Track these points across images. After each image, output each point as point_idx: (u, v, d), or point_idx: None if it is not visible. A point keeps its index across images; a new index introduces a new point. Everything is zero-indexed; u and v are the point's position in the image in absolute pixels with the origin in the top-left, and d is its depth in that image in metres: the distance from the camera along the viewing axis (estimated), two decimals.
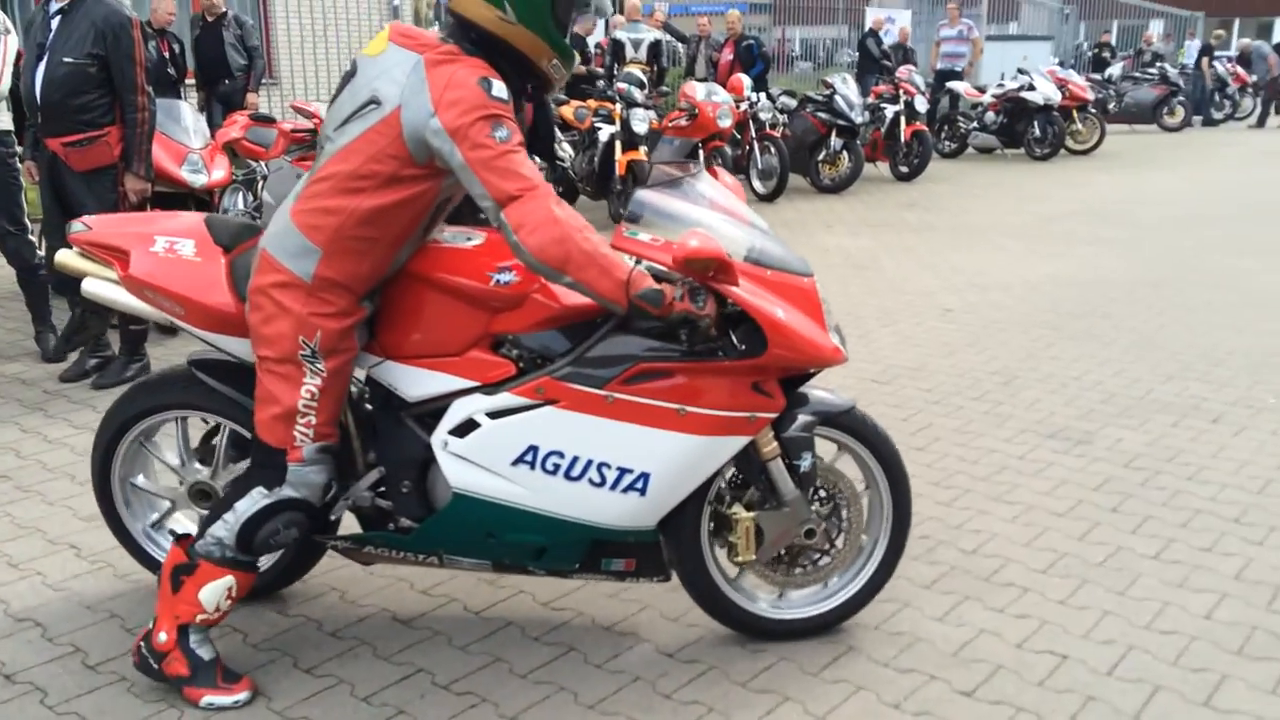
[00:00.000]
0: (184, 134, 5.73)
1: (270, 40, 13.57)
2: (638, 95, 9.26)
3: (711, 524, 2.71)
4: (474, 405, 2.49)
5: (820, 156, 11.52)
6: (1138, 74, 19.31)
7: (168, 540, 2.94)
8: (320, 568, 3.04)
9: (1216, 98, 20.04)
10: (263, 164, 7.00)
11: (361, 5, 12.48)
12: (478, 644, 2.81)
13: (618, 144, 9.15)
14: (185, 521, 3.05)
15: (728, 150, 10.30)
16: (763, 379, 2.53)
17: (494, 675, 2.67)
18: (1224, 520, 3.51)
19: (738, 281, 2.42)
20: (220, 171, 5.81)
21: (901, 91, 12.40)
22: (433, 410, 2.56)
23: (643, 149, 9.28)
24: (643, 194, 2.58)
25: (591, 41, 11.89)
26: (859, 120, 11.41)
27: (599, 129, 9.33)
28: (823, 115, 11.43)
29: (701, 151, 9.80)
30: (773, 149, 10.74)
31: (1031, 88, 14.13)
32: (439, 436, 2.51)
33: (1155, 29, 27.06)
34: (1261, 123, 19.34)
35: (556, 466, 2.49)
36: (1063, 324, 5.98)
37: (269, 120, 7.17)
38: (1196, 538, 3.40)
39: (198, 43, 9.36)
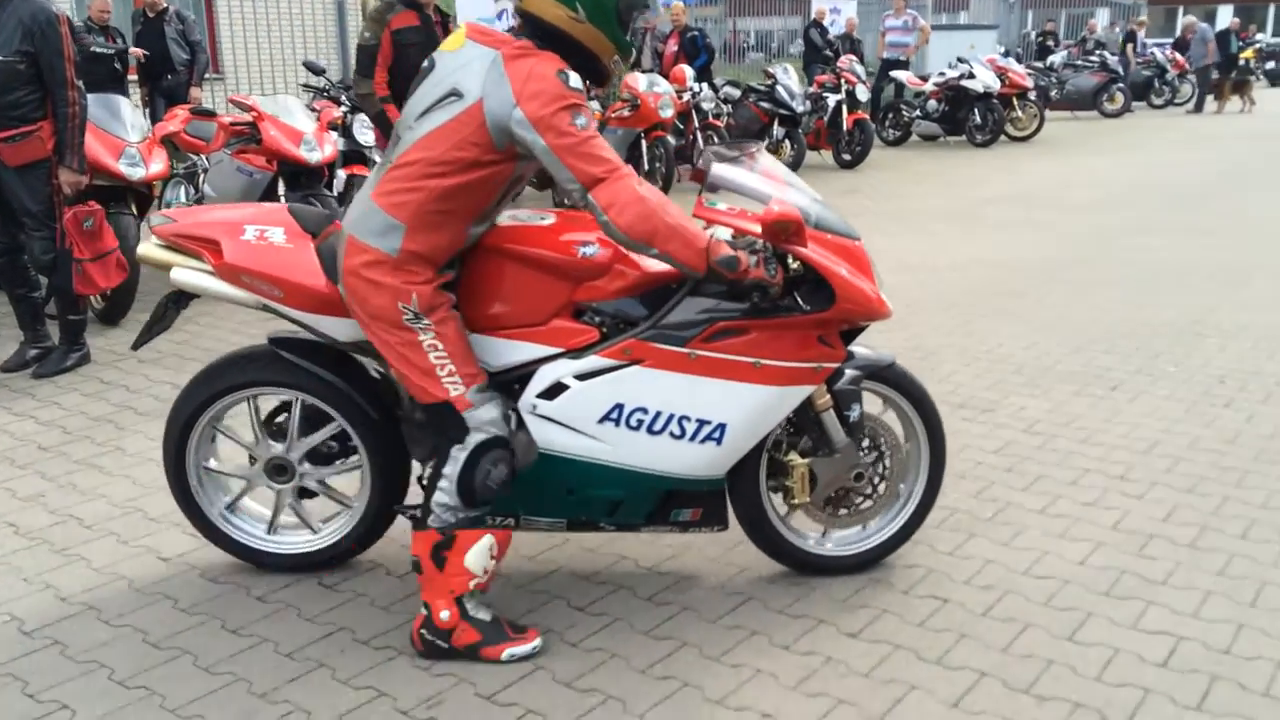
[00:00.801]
0: (121, 128, 5.81)
1: (215, 35, 13.59)
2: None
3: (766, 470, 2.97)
4: (562, 369, 2.70)
5: (763, 145, 11.70)
6: (1078, 62, 19.70)
7: (245, 520, 3.12)
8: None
9: (1156, 84, 20.50)
10: (203, 157, 7.09)
11: (306, 1, 12.52)
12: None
13: None
14: (254, 505, 3.18)
15: (670, 140, 10.48)
16: (826, 332, 2.79)
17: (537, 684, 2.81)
18: (1109, 478, 3.73)
19: (807, 243, 2.68)
20: (158, 165, 5.89)
21: (843, 81, 12.64)
22: (514, 378, 2.74)
23: None
24: (719, 168, 2.81)
25: None
26: (800, 109, 11.64)
27: None
28: (765, 105, 11.65)
29: (644, 141, 9.99)
30: (716, 139, 10.93)
31: (971, 76, 14.43)
32: (527, 400, 2.71)
33: (1101, 17, 27.57)
34: (1199, 107, 19.79)
35: (640, 422, 2.72)
36: (982, 302, 6.21)
37: (209, 114, 7.25)
38: (1082, 494, 3.62)
39: (139, 38, 9.40)
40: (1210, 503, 3.55)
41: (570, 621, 2.89)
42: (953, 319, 5.88)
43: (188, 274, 2.83)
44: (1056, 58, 20.32)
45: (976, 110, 14.43)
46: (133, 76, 9.63)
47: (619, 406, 2.70)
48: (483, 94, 2.45)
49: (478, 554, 2.64)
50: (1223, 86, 19.83)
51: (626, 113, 9.99)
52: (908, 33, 16.30)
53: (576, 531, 3.03)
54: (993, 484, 3.72)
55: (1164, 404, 4.48)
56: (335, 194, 7.35)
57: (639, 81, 10.08)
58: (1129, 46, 20.61)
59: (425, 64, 2.66)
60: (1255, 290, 6.40)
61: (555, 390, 2.70)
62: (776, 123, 11.63)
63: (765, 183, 2.80)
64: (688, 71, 11.14)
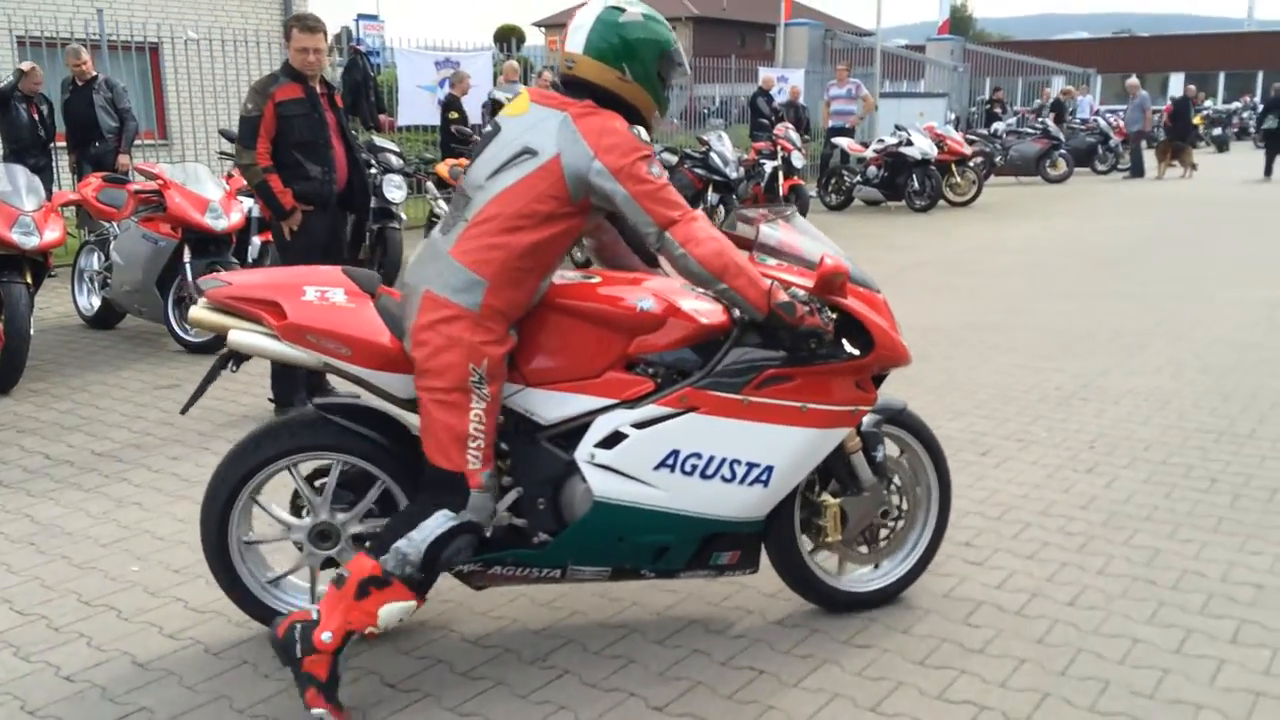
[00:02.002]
0: (16, 196, 5.83)
1: (162, 101, 13.71)
2: None
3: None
4: (620, 419, 2.82)
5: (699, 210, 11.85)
6: (1021, 129, 20.11)
7: (289, 593, 3.08)
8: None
9: (1099, 150, 20.92)
10: (114, 225, 7.11)
11: (255, 67, 12.64)
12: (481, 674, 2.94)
13: None
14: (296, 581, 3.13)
15: None
16: (861, 377, 3.01)
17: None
18: (955, 545, 3.74)
19: (848, 295, 2.93)
20: (53, 233, 5.91)
21: (779, 147, 12.85)
22: (567, 430, 2.85)
23: None
24: (768, 229, 3.07)
25: (475, 102, 12.15)
26: (734, 175, 11.80)
27: None
28: (700, 171, 11.81)
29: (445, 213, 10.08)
30: None
31: (909, 143, 14.71)
32: (584, 450, 2.82)
33: (1057, 85, 28.23)
34: (1136, 173, 20.14)
35: (694, 467, 2.86)
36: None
37: (122, 181, 7.28)
38: None
39: (68, 105, 9.46)
40: (1047, 569, 3.57)
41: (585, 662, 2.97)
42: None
43: (246, 335, 2.81)
44: (1001, 125, 20.75)
45: (915, 176, 14.68)
46: (61, 143, 9.69)
47: (675, 453, 2.84)
48: (558, 150, 2.64)
49: (394, 610, 2.67)
50: (1165, 152, 20.25)
51: None
52: (851, 101, 16.64)
53: (618, 580, 3.08)
54: None
55: (1027, 469, 4.52)
56: (250, 261, 7.40)
57: None
58: (1052, 115, 21.06)
59: (489, 128, 2.85)
60: (1149, 354, 6.49)
61: (614, 439, 2.82)
62: (711, 189, 11.78)
63: (808, 240, 3.07)
64: None
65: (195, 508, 4.08)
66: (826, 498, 3.15)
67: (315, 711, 2.65)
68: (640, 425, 2.82)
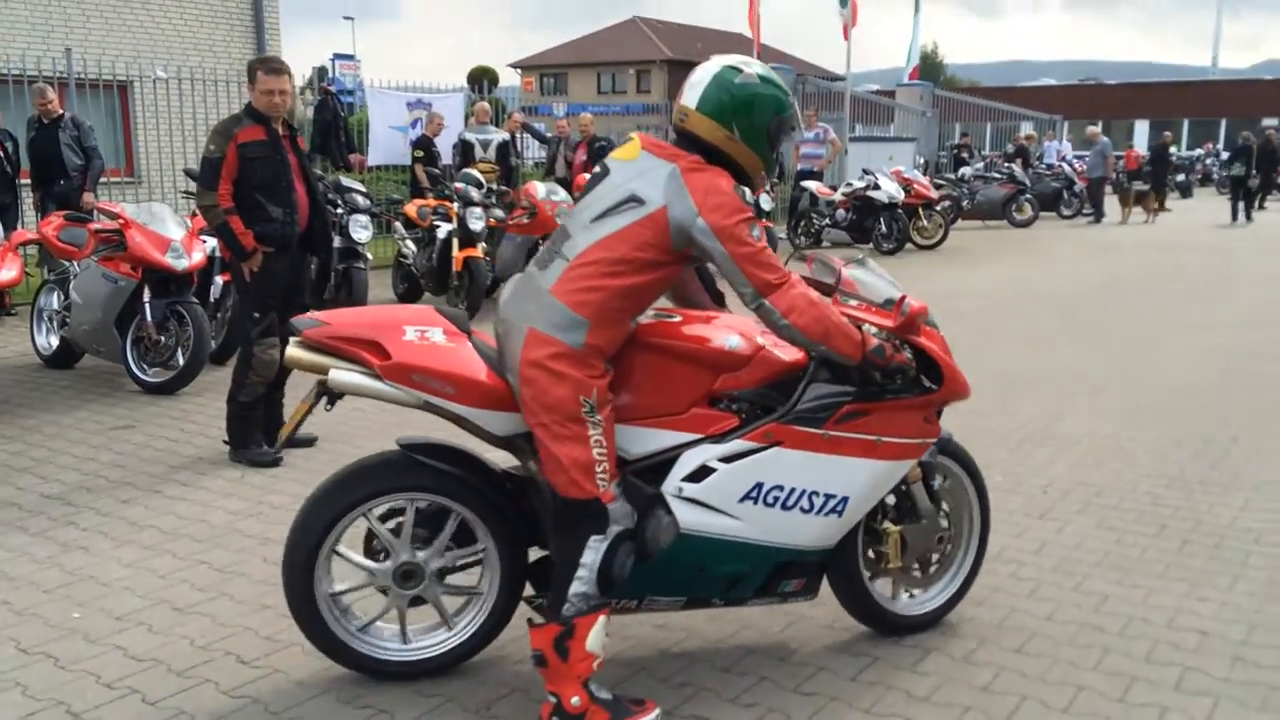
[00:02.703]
0: None
1: (131, 140, 13.68)
2: (474, 195, 9.55)
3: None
4: (707, 453, 2.90)
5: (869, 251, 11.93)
6: (988, 174, 20.40)
7: (377, 636, 3.10)
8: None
9: (1065, 195, 21.23)
10: (74, 264, 7.07)
11: (225, 106, 12.65)
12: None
13: (455, 241, 9.40)
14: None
15: None
16: (928, 412, 3.17)
17: None
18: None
19: (921, 333, 3.10)
20: (10, 272, 5.89)
21: None
22: (651, 465, 2.91)
23: (481, 246, 9.55)
24: (851, 271, 3.24)
25: (447, 143, 12.20)
26: None
27: (438, 227, 9.58)
28: None
29: (541, 248, 10.11)
30: None
31: (877, 187, 14.89)
32: (672, 484, 2.89)
33: (1025, 129, 28.69)
34: (1098, 218, 20.47)
35: (776, 499, 2.96)
36: None
37: (83, 220, 7.25)
38: None
39: (33, 143, 9.43)
40: (996, 615, 3.58)
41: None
42: None
43: (346, 375, 2.84)
44: (967, 170, 21.03)
45: (882, 220, 14.84)
46: (25, 180, 9.64)
47: (759, 485, 2.94)
48: (665, 202, 2.72)
49: (596, 635, 2.74)
50: (1128, 198, 20.61)
51: (525, 220, 10.12)
52: (819, 145, 16.82)
53: (689, 609, 3.17)
54: None
55: None
56: (212, 301, 7.37)
57: (537, 190, 10.24)
58: (1018, 160, 21.45)
59: (597, 169, 2.92)
60: (1105, 399, 6.56)
61: (701, 473, 2.90)
62: None
63: (883, 283, 3.23)
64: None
65: (142, 552, 4.09)
66: (888, 525, 3.29)
67: None
68: (727, 459, 2.91)
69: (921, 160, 24.95)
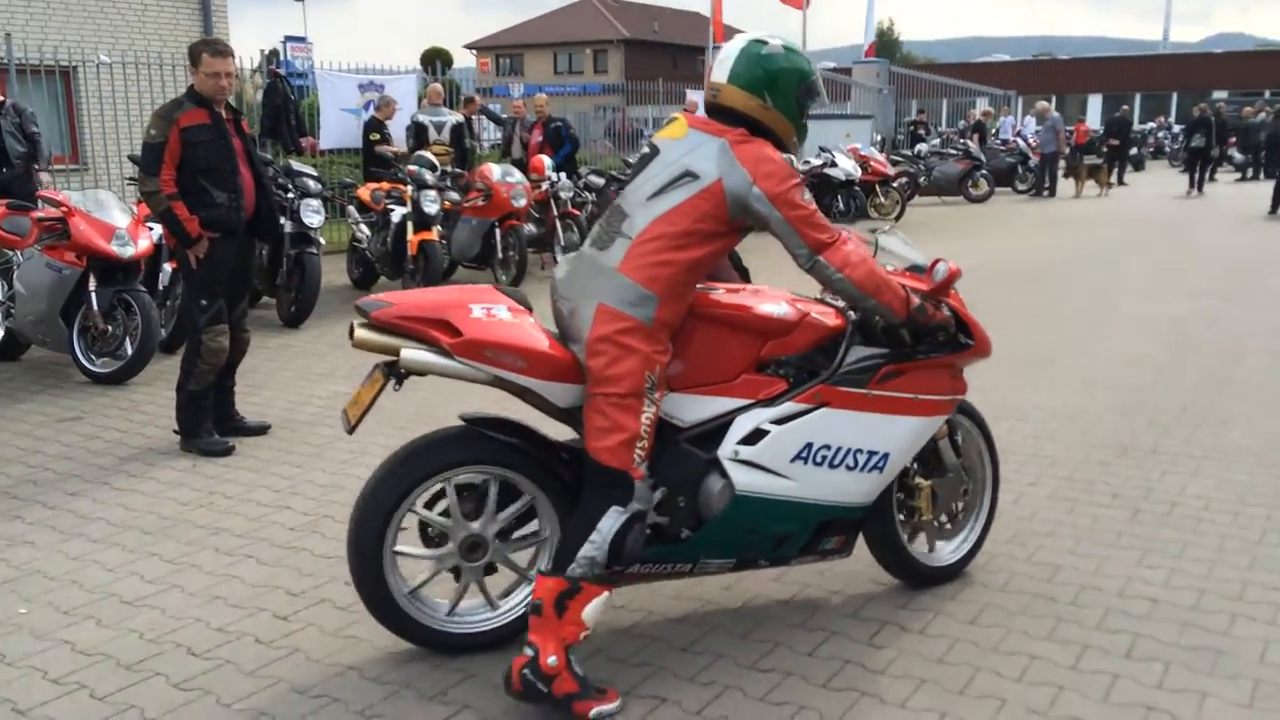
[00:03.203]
0: None
1: (76, 126, 13.40)
2: (428, 177, 9.45)
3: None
4: (760, 416, 3.04)
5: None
6: (944, 150, 20.51)
7: (428, 604, 3.12)
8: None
9: (1020, 170, 21.40)
10: (18, 253, 6.92)
11: (172, 90, 12.41)
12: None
13: (409, 225, 9.29)
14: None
15: (528, 229, 10.57)
16: (956, 369, 3.37)
17: None
18: (859, 564, 3.75)
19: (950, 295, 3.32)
20: None
21: None
22: (704, 432, 3.02)
23: (436, 229, 9.46)
24: (885, 239, 3.44)
25: (399, 126, 12.05)
26: None
27: (391, 211, 9.47)
28: None
29: (498, 230, 10.05)
30: (575, 227, 11.05)
31: (834, 164, 14.93)
32: (728, 448, 3.01)
33: (980, 106, 28.88)
34: (1051, 192, 20.68)
35: (824, 458, 3.11)
36: None
37: (25, 208, 7.08)
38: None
39: None
40: (950, 588, 3.60)
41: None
42: None
43: (418, 354, 2.85)
44: (924, 146, 21.13)
45: (839, 197, 14.90)
46: None
47: (809, 445, 3.08)
48: (720, 174, 2.83)
49: (594, 608, 2.81)
50: (1080, 171, 20.83)
51: (481, 202, 10.05)
52: None
53: (738, 570, 3.29)
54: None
55: None
56: (161, 289, 7.24)
57: (493, 172, 10.17)
58: (974, 135, 21.61)
59: (645, 149, 3.02)
60: (1057, 371, 6.63)
61: (756, 436, 3.03)
62: None
63: (911, 249, 3.45)
64: (546, 161, 11.30)
65: (90, 545, 4.02)
66: (920, 480, 3.48)
67: (593, 714, 2.79)
68: (779, 421, 3.05)
69: (878, 137, 25.01)
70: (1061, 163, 21.16)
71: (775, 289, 3.28)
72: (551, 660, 2.77)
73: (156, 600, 3.57)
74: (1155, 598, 3.51)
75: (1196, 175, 21.33)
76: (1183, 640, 3.21)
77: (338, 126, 13.90)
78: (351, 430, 3.02)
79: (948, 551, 3.66)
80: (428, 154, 10.03)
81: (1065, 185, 20.83)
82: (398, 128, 11.87)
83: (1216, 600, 3.48)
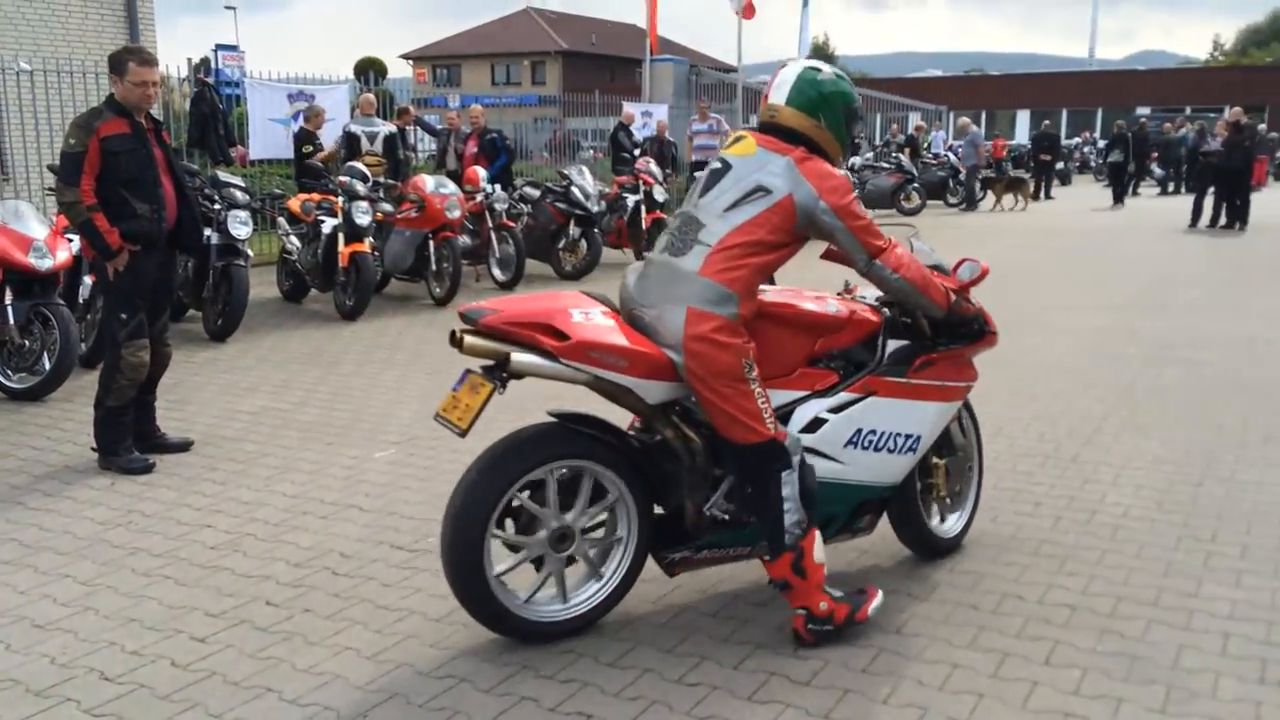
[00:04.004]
0: None
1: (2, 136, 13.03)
2: (360, 188, 9.35)
3: None
4: (817, 406, 3.35)
5: (560, 245, 11.88)
6: (877, 164, 20.81)
7: (508, 591, 3.23)
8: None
9: (950, 184, 21.80)
10: None
11: (94, 99, 12.12)
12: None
13: (340, 236, 9.18)
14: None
15: (462, 240, 10.51)
16: (969, 359, 3.72)
17: None
18: None
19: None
20: None
21: (641, 182, 12.96)
22: None
23: (368, 241, 9.35)
24: (918, 244, 3.67)
25: (330, 136, 11.91)
26: (595, 209, 11.84)
27: (322, 222, 9.34)
28: (561, 205, 11.81)
29: (432, 242, 9.97)
30: (509, 239, 11.01)
31: None
32: (791, 436, 3.21)
33: (913, 120, 29.33)
34: (972, 205, 21.16)
35: (870, 442, 3.41)
36: None
37: None
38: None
39: None
40: None
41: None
42: None
43: (526, 357, 3.01)
44: (857, 160, 21.40)
45: None
46: None
47: (859, 431, 3.39)
48: (790, 190, 3.11)
49: (819, 549, 3.18)
50: (998, 185, 21.44)
51: (414, 213, 9.97)
52: (713, 136, 16.95)
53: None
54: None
55: None
56: (81, 302, 7.07)
57: (426, 183, 10.09)
58: (906, 150, 22.01)
59: (718, 165, 3.26)
60: (983, 381, 6.62)
61: (815, 425, 3.32)
62: (573, 222, 11.79)
63: (931, 251, 3.70)
64: (481, 173, 11.24)
65: (1, 567, 3.88)
66: (935, 460, 3.81)
67: (870, 611, 3.30)
68: (834, 410, 3.35)
69: None
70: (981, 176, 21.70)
71: (813, 290, 3.58)
72: (823, 606, 3.20)
73: (69, 623, 3.46)
74: (1074, 605, 3.57)
75: (1118, 189, 22.25)
76: (1100, 647, 3.28)
77: (267, 136, 13.70)
78: (465, 434, 3.10)
79: (951, 523, 3.97)
80: (359, 165, 9.93)
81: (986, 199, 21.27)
82: (329, 139, 11.74)
83: (1133, 607, 3.55)
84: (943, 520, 3.95)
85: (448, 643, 3.31)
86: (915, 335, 3.57)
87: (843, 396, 3.37)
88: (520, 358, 3.00)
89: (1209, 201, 17.40)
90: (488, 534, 3.09)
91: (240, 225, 8.03)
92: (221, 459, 5.24)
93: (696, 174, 14.94)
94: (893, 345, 3.52)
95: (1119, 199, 22.25)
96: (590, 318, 3.10)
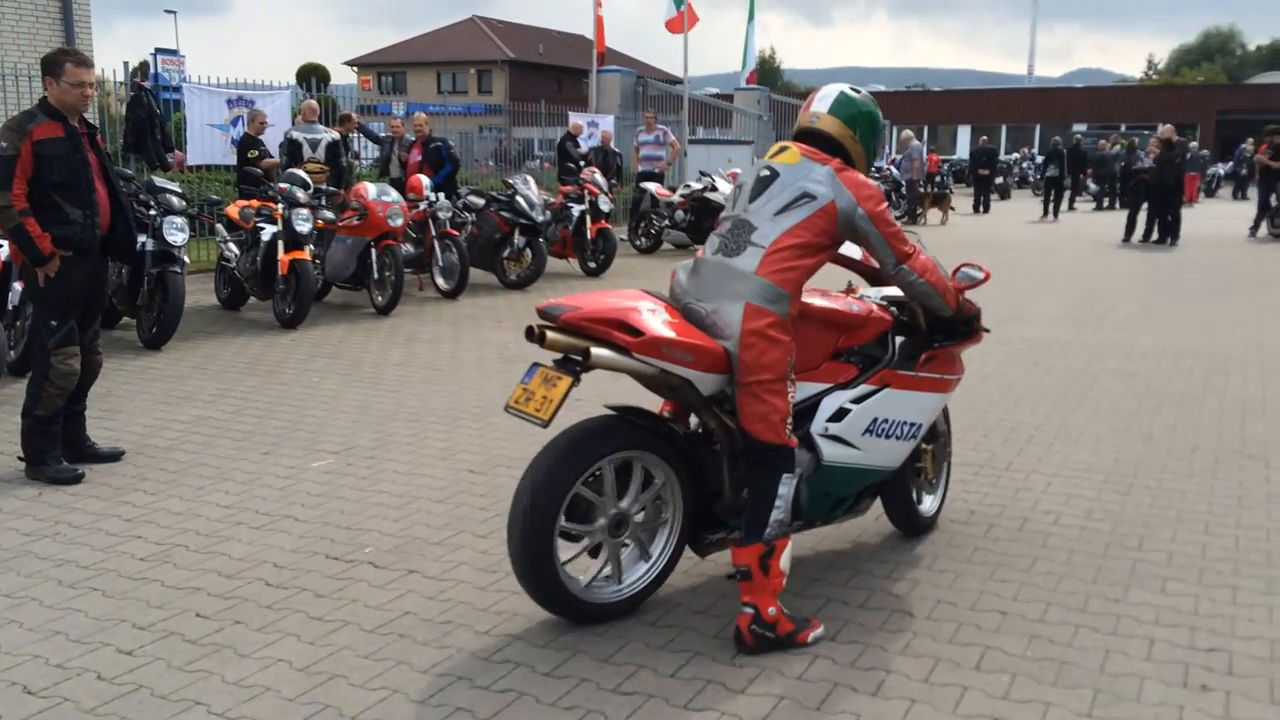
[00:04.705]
0: None
1: None
2: (300, 195, 9.24)
3: None
4: (842, 397, 3.65)
5: (505, 254, 11.84)
6: None
7: (571, 578, 3.41)
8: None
9: (893, 198, 22.08)
10: None
11: (28, 103, 11.88)
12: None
13: (280, 244, 9.07)
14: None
15: (405, 249, 10.43)
16: (958, 354, 4.07)
17: None
18: (722, 582, 3.79)
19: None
20: None
21: (586, 192, 12.97)
22: (796, 412, 3.42)
23: (308, 249, 9.25)
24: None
25: (274, 142, 11.77)
26: (540, 219, 11.82)
27: (262, 229, 9.22)
28: (505, 214, 11.78)
29: (374, 250, 9.88)
30: (453, 247, 10.95)
31: (714, 189, 15.12)
32: (819, 424, 3.58)
33: None
34: (914, 219, 21.54)
35: (883, 430, 3.73)
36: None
37: None
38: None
39: None
40: (812, 605, 3.66)
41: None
42: None
43: (605, 352, 3.18)
44: None
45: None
46: None
47: (875, 419, 3.70)
48: (833, 197, 3.36)
49: (787, 557, 3.33)
50: (924, 200, 21.94)
51: (355, 221, 9.88)
52: (659, 147, 17.04)
53: (803, 531, 3.81)
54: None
55: None
56: (11, 308, 6.90)
57: (368, 190, 10.01)
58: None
59: (766, 172, 3.47)
60: None
61: (840, 414, 3.62)
62: (518, 232, 11.76)
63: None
64: (424, 181, 11.17)
65: None
66: (924, 446, 4.13)
67: (811, 639, 3.37)
68: (856, 401, 3.65)
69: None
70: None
71: (830, 291, 3.85)
72: (771, 611, 3.29)
73: None
74: (1005, 611, 3.63)
75: (1052, 203, 23.33)
76: (1029, 652, 3.34)
77: (206, 142, 13.51)
78: (547, 424, 3.19)
79: (929, 505, 4.33)
80: (300, 172, 9.81)
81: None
82: (273, 144, 11.60)
83: (1062, 613, 3.62)
84: (920, 501, 4.26)
85: (382, 654, 3.28)
86: (913, 332, 3.89)
87: (862, 388, 3.69)
88: (600, 352, 3.17)
89: (1142, 217, 17.83)
90: (557, 527, 3.26)
91: (176, 231, 7.90)
92: (153, 469, 5.14)
93: (643, 184, 15.15)
94: (901, 341, 3.86)
95: (1053, 212, 23.14)
96: (657, 315, 3.31)
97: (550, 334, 3.20)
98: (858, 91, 3.63)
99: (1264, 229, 18.35)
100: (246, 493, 4.81)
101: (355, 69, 61.77)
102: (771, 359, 3.26)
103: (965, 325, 3.99)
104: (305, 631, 3.43)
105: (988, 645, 3.38)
